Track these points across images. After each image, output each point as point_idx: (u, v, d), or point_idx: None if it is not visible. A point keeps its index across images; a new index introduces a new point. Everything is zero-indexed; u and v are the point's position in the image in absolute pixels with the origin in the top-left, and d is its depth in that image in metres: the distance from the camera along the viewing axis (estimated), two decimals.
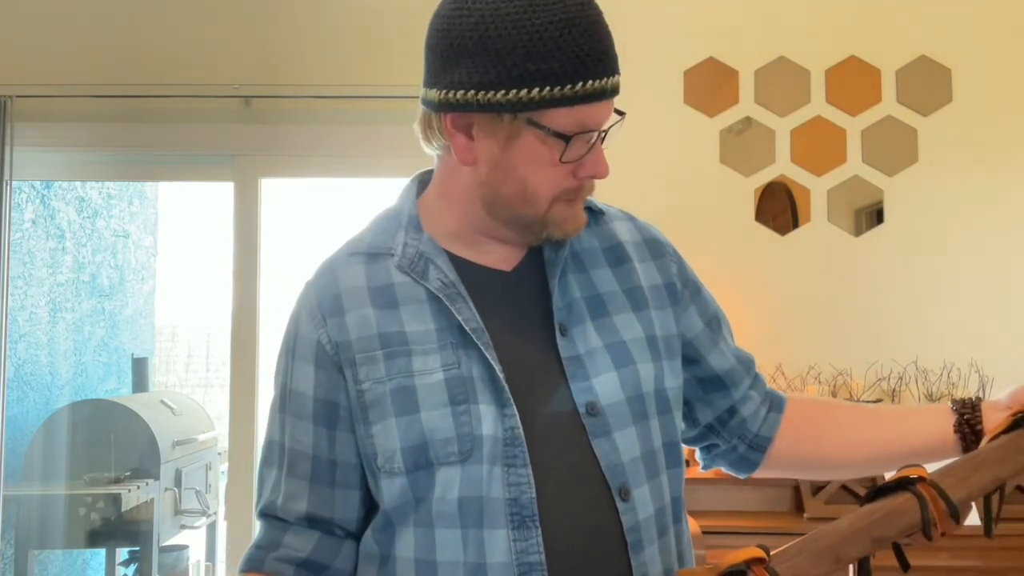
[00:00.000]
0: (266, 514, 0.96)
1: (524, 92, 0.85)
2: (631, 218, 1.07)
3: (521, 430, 0.87)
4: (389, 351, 0.91)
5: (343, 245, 1.00)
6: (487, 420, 0.87)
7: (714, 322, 1.07)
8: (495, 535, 0.86)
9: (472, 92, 0.86)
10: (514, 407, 0.87)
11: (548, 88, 0.84)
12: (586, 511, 0.88)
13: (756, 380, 1.09)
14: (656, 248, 1.04)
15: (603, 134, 0.89)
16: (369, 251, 0.97)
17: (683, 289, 1.03)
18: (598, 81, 0.85)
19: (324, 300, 0.95)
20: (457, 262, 0.95)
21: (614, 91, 0.88)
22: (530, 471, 0.86)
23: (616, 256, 1.00)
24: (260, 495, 0.98)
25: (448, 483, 0.87)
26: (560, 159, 0.87)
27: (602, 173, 0.90)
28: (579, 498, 0.88)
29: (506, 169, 0.90)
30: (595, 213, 1.02)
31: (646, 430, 0.93)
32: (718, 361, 1.05)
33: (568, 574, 0.85)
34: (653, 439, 0.93)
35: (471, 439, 0.86)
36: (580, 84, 0.85)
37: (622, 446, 0.89)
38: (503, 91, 0.85)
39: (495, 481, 0.86)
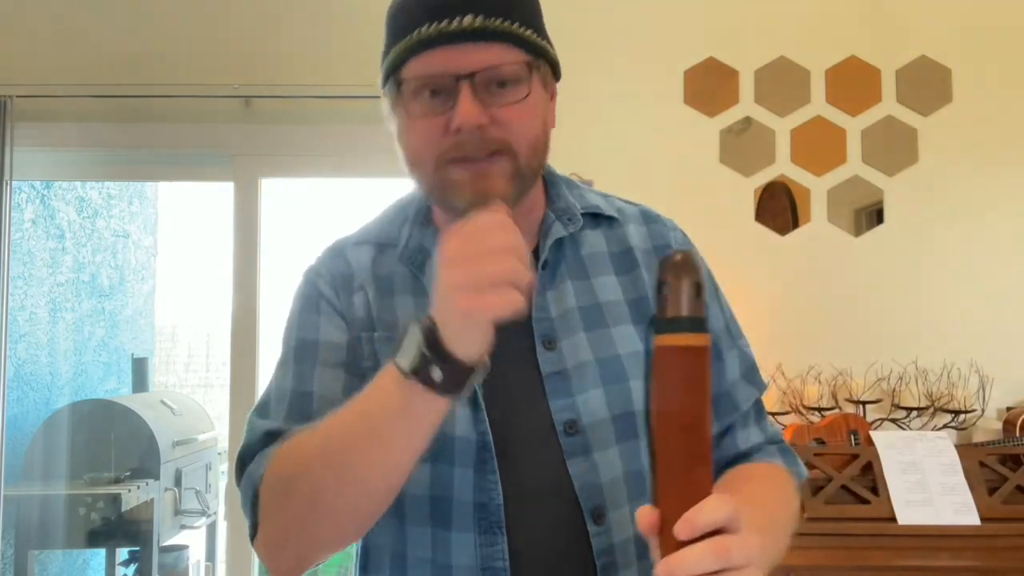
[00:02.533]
0: (275, 433, 0.88)
1: (387, 58, 0.88)
2: (650, 220, 1.02)
3: (490, 436, 0.86)
4: (380, 336, 0.91)
5: (352, 233, 1.01)
6: (462, 422, 0.86)
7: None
8: (462, 537, 0.86)
9: (380, 78, 0.91)
10: (485, 412, 0.86)
11: (397, 45, 0.86)
12: (555, 529, 0.86)
13: (727, 436, 0.98)
14: None
15: (471, 80, 0.82)
16: (377, 241, 0.98)
17: None
18: (435, 24, 0.82)
19: (337, 276, 0.96)
20: None
21: (465, 33, 0.81)
22: (498, 478, 0.85)
23: (625, 263, 0.97)
24: (249, 437, 0.90)
25: (418, 479, 0.86)
26: (407, 110, 0.86)
27: (460, 122, 0.82)
28: (548, 515, 0.87)
29: (400, 135, 0.91)
30: (607, 219, 0.99)
31: (634, 449, 0.90)
32: None
33: None
34: (642, 459, 0.90)
35: (443, 438, 0.85)
36: (416, 31, 0.83)
37: (602, 466, 0.87)
38: (383, 62, 0.89)
39: (466, 484, 0.86)
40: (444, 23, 0.81)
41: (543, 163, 0.92)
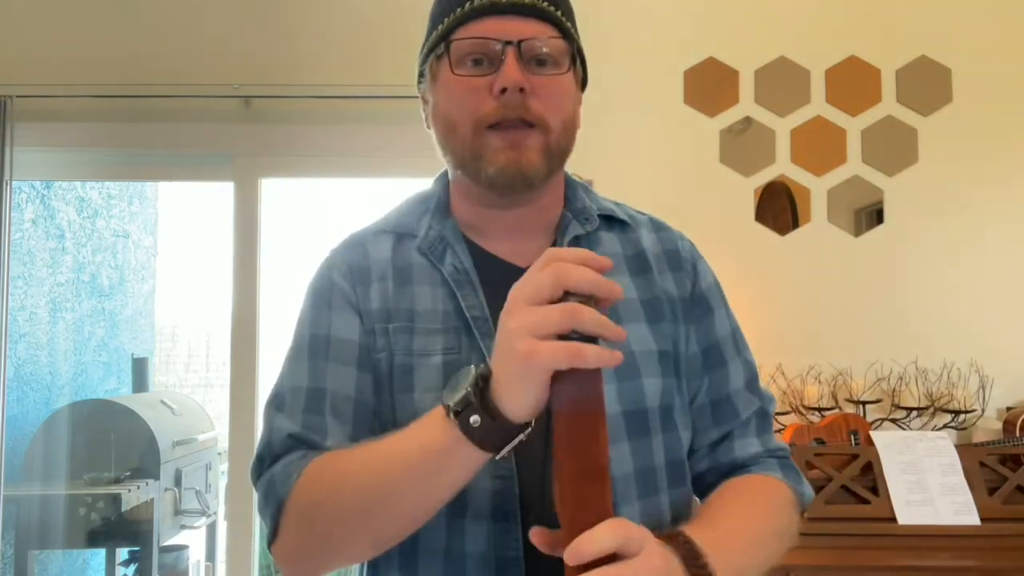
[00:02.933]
0: (296, 438, 0.88)
1: (434, 32, 0.93)
2: (659, 228, 1.04)
3: None
4: (396, 327, 0.92)
5: (370, 224, 1.02)
6: None
7: (713, 354, 0.99)
8: (477, 525, 0.86)
9: (419, 59, 0.97)
10: None
11: (447, 18, 0.91)
12: None
13: (725, 442, 0.98)
14: (675, 260, 1.01)
15: (518, 48, 0.87)
16: (396, 231, 0.99)
17: (691, 307, 0.99)
18: None
19: (354, 268, 0.96)
20: (475, 250, 0.96)
21: (515, 7, 0.88)
22: (514, 467, 0.86)
23: (639, 265, 0.98)
24: (272, 433, 0.90)
25: None
26: (452, 70, 0.90)
27: (504, 81, 0.86)
28: None
29: (437, 107, 0.94)
30: (620, 223, 1.01)
31: (646, 446, 0.90)
32: (692, 393, 0.98)
33: None
34: (654, 456, 0.91)
35: None
36: (468, 3, 0.89)
37: (613, 461, 0.87)
38: (427, 42, 0.95)
39: (482, 472, 0.85)
40: None
41: (571, 146, 0.95)
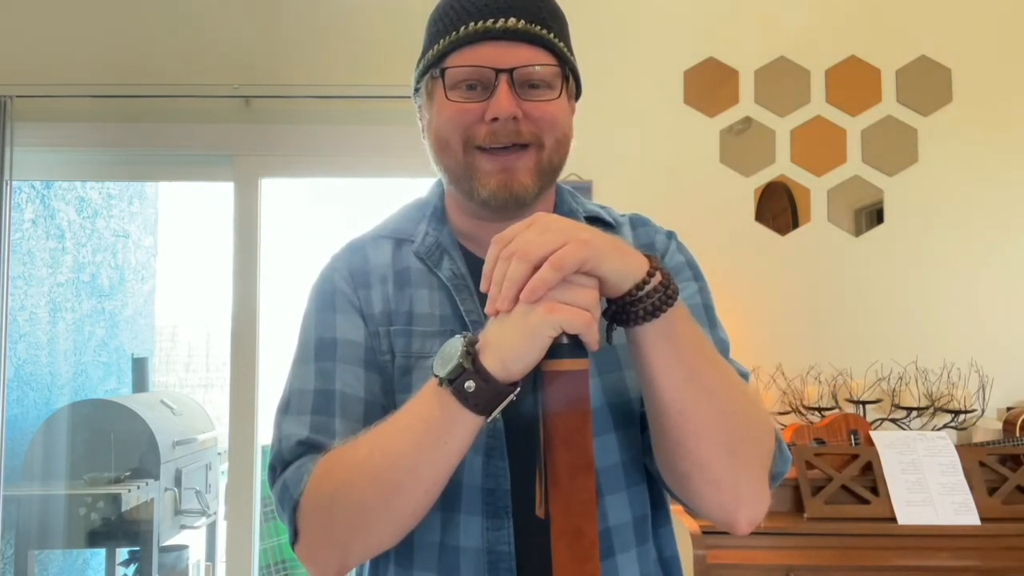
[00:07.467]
0: (306, 443, 0.88)
1: (430, 52, 0.94)
2: (638, 225, 1.05)
3: (501, 423, 0.88)
4: (396, 329, 0.94)
5: (369, 230, 1.04)
6: None
7: None
8: (471, 520, 0.88)
9: (415, 74, 0.98)
10: None
11: (442, 40, 0.92)
12: None
13: None
14: (650, 252, 1.02)
15: (510, 75, 0.88)
16: (394, 236, 1.01)
17: None
18: (482, 22, 0.89)
19: (355, 272, 0.98)
20: (470, 257, 0.98)
21: (508, 33, 0.89)
22: (507, 464, 0.88)
23: None
24: (282, 441, 0.90)
25: None
26: (446, 95, 0.91)
27: (496, 111, 0.88)
28: None
29: (431, 124, 0.96)
30: (605, 224, 1.03)
31: (632, 436, 0.92)
32: None
33: (536, 570, 0.86)
34: (642, 445, 0.92)
35: None
36: (463, 27, 0.90)
37: (599, 451, 0.88)
38: (422, 59, 0.96)
39: (475, 469, 0.88)
40: (490, 22, 0.89)
41: (563, 162, 0.96)
